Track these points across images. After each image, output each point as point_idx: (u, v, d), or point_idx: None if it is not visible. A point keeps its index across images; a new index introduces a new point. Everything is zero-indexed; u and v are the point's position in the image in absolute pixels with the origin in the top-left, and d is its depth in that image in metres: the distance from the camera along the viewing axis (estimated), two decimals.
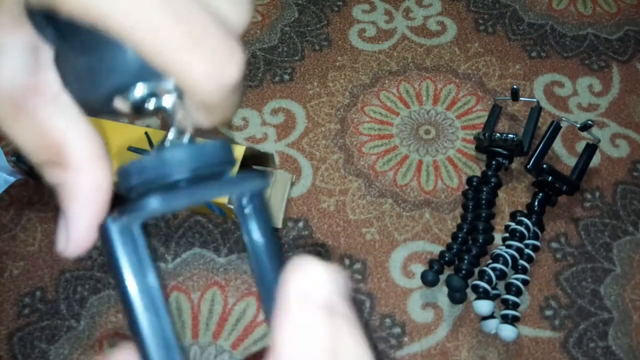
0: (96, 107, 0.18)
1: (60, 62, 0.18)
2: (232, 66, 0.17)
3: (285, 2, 1.05)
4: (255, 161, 0.85)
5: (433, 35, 1.01)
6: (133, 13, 0.15)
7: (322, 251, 0.80)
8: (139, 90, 0.18)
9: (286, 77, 0.96)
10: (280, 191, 0.83)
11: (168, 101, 0.18)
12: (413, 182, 0.85)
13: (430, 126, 0.91)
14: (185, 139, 0.19)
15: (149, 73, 0.17)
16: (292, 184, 0.85)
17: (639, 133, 0.90)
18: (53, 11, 0.15)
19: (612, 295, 0.76)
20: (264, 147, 0.88)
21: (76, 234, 0.18)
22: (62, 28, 0.17)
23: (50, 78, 0.18)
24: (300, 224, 0.82)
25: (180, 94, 0.18)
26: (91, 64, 0.17)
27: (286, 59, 0.98)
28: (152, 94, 0.18)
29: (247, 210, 0.20)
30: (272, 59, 0.98)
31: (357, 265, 0.78)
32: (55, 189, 0.19)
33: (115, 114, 0.19)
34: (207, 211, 0.82)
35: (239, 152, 0.77)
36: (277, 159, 0.86)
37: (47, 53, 0.18)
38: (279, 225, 0.81)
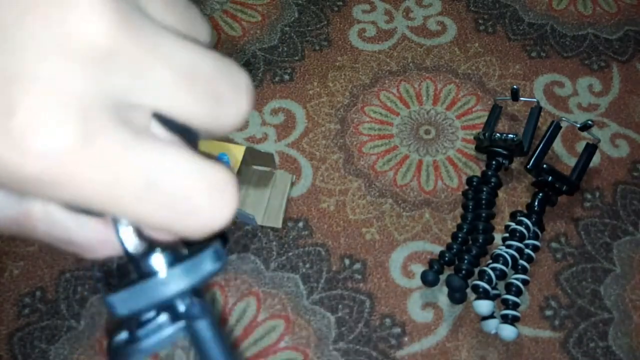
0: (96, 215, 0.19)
1: None
2: (219, 220, 0.16)
3: (285, 2, 1.05)
4: (255, 161, 0.85)
5: (433, 35, 1.01)
6: (120, 202, 0.15)
7: (322, 251, 0.80)
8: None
9: (286, 77, 0.96)
10: (280, 191, 0.83)
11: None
12: (413, 182, 0.85)
13: (430, 126, 0.91)
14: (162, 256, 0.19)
15: None
16: (292, 184, 0.85)
17: (639, 133, 0.89)
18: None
19: (612, 295, 0.76)
20: (264, 147, 0.88)
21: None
22: None
23: (34, 200, 0.18)
24: (300, 224, 0.82)
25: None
26: None
27: (286, 59, 0.98)
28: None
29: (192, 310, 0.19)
30: (272, 59, 0.98)
31: (357, 265, 0.78)
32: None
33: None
34: None
35: (239, 152, 0.77)
36: (277, 159, 0.86)
37: None
38: (279, 225, 0.81)
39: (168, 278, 0.18)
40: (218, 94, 0.16)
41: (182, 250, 0.19)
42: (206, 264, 0.18)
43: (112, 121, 0.14)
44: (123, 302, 0.17)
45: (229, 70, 0.16)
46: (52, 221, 0.18)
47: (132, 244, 0.18)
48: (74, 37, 0.13)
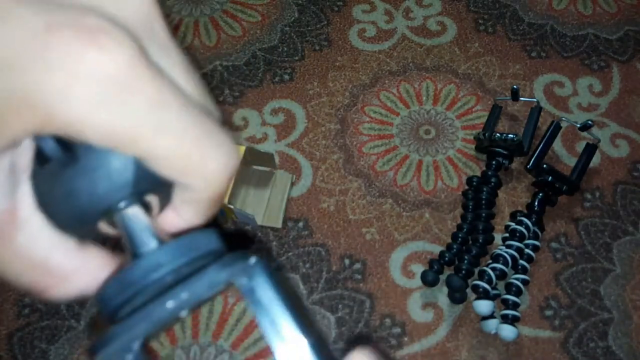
0: (80, 228, 0.18)
1: (45, 180, 0.17)
2: (235, 155, 0.18)
3: (285, 2, 1.05)
4: (255, 161, 0.85)
5: (433, 35, 1.01)
6: (153, 128, 0.16)
7: (322, 251, 0.80)
8: (123, 207, 0.18)
9: (286, 77, 0.96)
10: (280, 191, 0.83)
11: (139, 212, 0.18)
12: (413, 182, 0.85)
13: (430, 126, 0.91)
14: (155, 239, 0.18)
15: (137, 187, 0.17)
16: (292, 184, 0.85)
17: (639, 133, 0.89)
18: (67, 138, 0.16)
19: (612, 295, 0.76)
20: (264, 147, 0.88)
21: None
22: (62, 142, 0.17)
23: (23, 199, 0.18)
24: (300, 224, 0.82)
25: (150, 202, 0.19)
26: (80, 182, 0.17)
27: (286, 59, 0.98)
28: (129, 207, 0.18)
29: (253, 285, 0.17)
30: (272, 59, 0.98)
31: (357, 265, 0.78)
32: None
33: (96, 236, 0.18)
34: None
35: (238, 152, 0.77)
36: (277, 159, 0.86)
37: (22, 173, 0.18)
38: (279, 225, 0.81)
39: (156, 258, 0.17)
40: (203, 89, 0.19)
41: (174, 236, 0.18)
42: (199, 243, 0.18)
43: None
44: (115, 292, 0.17)
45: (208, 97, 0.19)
46: (34, 233, 0.18)
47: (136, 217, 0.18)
48: None
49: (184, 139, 0.16)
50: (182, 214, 0.19)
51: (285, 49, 0.99)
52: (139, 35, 0.16)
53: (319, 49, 0.99)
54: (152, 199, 0.18)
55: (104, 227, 0.18)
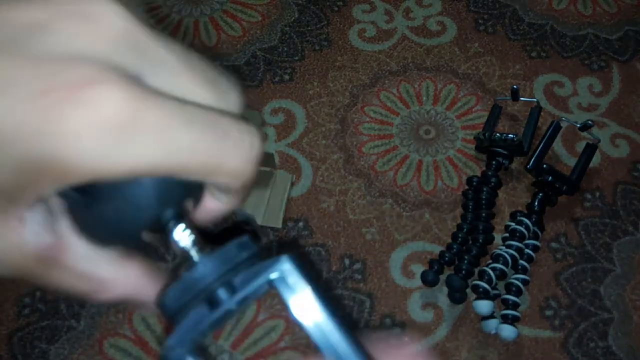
0: (127, 243, 0.21)
1: (81, 214, 0.20)
2: (256, 141, 0.19)
3: (285, 2, 1.05)
4: None
5: (433, 35, 1.01)
6: (166, 152, 0.17)
7: (322, 251, 0.80)
8: (163, 222, 0.20)
9: (286, 77, 0.96)
10: (280, 191, 0.83)
11: (181, 232, 0.20)
12: (413, 182, 0.85)
13: (430, 126, 0.91)
14: (198, 250, 0.20)
15: (166, 201, 0.19)
16: (292, 184, 0.85)
17: (639, 133, 0.89)
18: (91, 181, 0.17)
19: (612, 295, 0.76)
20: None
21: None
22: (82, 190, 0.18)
23: (65, 230, 0.20)
24: (300, 224, 0.82)
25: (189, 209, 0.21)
26: (114, 212, 0.19)
27: (286, 59, 0.98)
28: (172, 220, 0.20)
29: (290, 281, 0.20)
30: (272, 59, 0.98)
31: (357, 265, 0.78)
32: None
33: (144, 247, 0.21)
34: None
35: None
36: (277, 159, 0.86)
37: (59, 212, 0.20)
38: (279, 225, 0.81)
39: (205, 267, 0.19)
40: (214, 79, 0.19)
41: (214, 244, 0.20)
42: (238, 251, 0.20)
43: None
44: (174, 298, 0.19)
45: (216, 68, 0.20)
46: (79, 254, 0.20)
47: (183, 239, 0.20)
48: (99, 25, 0.17)
49: (197, 151, 0.17)
50: (219, 201, 0.21)
51: (285, 49, 0.99)
52: (126, 62, 0.17)
53: (319, 49, 0.99)
54: (188, 203, 0.20)
55: (147, 236, 0.20)
